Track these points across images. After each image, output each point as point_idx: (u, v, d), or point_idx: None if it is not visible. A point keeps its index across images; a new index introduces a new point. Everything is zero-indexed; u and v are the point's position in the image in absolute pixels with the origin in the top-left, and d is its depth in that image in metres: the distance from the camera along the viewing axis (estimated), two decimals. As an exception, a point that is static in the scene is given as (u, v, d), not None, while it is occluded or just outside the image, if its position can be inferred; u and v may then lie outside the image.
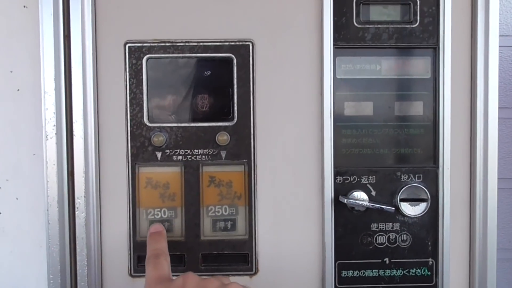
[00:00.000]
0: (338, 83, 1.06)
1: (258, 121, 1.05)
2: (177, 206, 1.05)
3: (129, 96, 1.06)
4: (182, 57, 1.05)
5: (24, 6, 1.14)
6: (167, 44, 1.05)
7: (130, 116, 1.07)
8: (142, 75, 1.05)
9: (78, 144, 1.03)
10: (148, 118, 1.07)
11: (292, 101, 1.06)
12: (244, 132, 1.07)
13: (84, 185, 1.01)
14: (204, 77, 1.07)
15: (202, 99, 1.09)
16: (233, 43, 1.05)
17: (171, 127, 1.07)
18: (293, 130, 1.05)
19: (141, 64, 1.05)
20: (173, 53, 1.04)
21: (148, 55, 1.06)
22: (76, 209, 1.01)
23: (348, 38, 1.06)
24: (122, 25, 1.02)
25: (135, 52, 1.05)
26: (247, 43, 1.06)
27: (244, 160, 1.06)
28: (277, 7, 1.03)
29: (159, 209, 1.06)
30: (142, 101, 1.06)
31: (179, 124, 1.07)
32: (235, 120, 1.08)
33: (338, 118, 1.05)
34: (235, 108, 1.07)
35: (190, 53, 1.05)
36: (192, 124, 1.07)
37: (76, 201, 1.01)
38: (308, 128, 1.05)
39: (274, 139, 1.05)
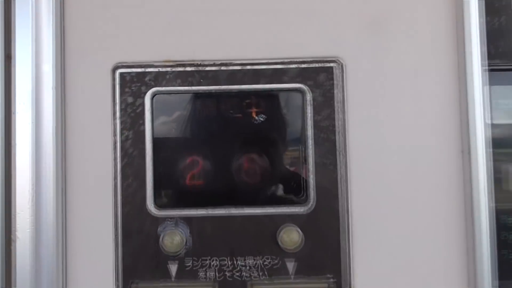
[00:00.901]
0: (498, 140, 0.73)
1: (356, 204, 0.72)
2: None
3: (121, 161, 0.73)
4: (214, 92, 0.74)
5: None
6: (187, 68, 0.74)
7: (122, 198, 0.73)
8: (144, 123, 0.73)
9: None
10: (155, 202, 0.73)
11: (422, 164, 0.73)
12: (328, 225, 0.72)
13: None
14: (253, 124, 0.74)
15: (249, 164, 0.74)
16: (304, 65, 0.74)
17: (195, 218, 0.73)
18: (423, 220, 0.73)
19: (143, 103, 0.73)
20: (197, 84, 0.74)
21: (154, 89, 0.74)
22: None
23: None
24: (109, 41, 0.74)
25: (132, 83, 0.74)
26: (330, 64, 0.74)
27: (329, 277, 0.72)
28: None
29: None
30: (144, 171, 0.73)
31: (210, 212, 0.73)
32: (312, 203, 0.73)
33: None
34: (312, 181, 0.72)
35: (227, 84, 0.73)
36: (233, 211, 0.72)
37: None
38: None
39: (385, 237, 0.72)
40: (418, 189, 0.73)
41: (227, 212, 0.73)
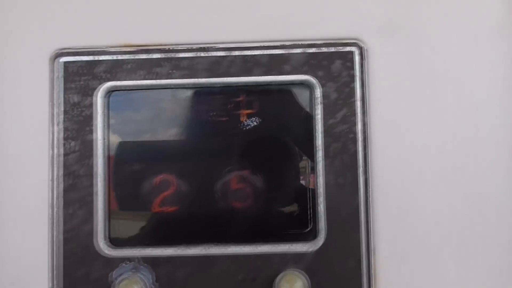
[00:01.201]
0: None
1: (381, 240, 0.63)
2: None
3: (62, 183, 0.62)
4: (191, 87, 0.65)
5: None
6: (154, 54, 0.64)
7: (63, 233, 0.61)
8: (94, 130, 0.64)
9: None
10: (108, 238, 0.62)
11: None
12: (345, 269, 0.63)
13: None
14: (243, 131, 0.65)
15: (238, 185, 0.65)
16: (313, 50, 0.64)
17: (162, 259, 0.62)
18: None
19: (93, 103, 0.63)
20: (167, 76, 0.64)
21: (109, 83, 0.63)
22: None
23: None
24: (48, 20, 0.64)
25: (79, 76, 0.64)
26: (348, 48, 0.64)
27: None
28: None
29: None
30: (94, 195, 0.62)
31: (183, 251, 0.62)
32: (322, 239, 0.63)
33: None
34: (322, 208, 0.63)
35: (207, 76, 0.64)
36: (215, 250, 0.62)
37: None
38: None
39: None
40: (471, 225, 0.63)
41: (207, 251, 0.62)
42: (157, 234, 0.63)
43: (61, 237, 0.61)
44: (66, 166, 0.62)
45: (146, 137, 0.66)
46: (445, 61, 0.64)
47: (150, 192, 0.64)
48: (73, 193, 0.62)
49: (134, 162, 0.65)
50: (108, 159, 0.63)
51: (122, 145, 0.65)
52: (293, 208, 0.66)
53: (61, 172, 0.62)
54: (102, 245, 0.61)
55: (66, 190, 0.62)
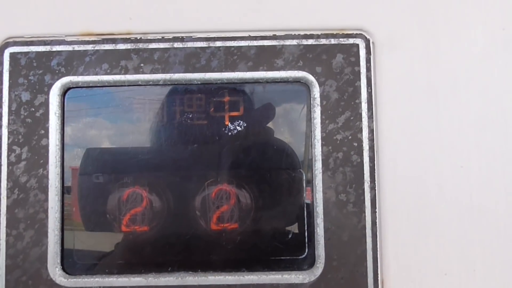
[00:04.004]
0: None
1: (390, 268, 0.55)
2: None
3: (6, 197, 0.54)
4: (164, 84, 0.57)
5: None
6: (120, 45, 0.57)
7: (7, 259, 0.54)
8: (48, 134, 0.55)
9: None
10: (63, 264, 0.54)
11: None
12: None
13: None
14: (226, 137, 0.57)
15: (220, 202, 0.57)
16: (310, 41, 0.57)
17: None
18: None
19: (47, 102, 0.55)
20: (136, 71, 0.56)
21: (66, 78, 0.56)
22: None
23: None
24: None
25: (30, 70, 0.56)
26: (352, 40, 0.57)
27: None
28: None
29: None
30: (46, 213, 0.53)
31: (152, 281, 0.54)
32: (321, 267, 0.55)
33: None
34: (320, 230, 0.55)
35: (183, 71, 0.56)
36: (191, 280, 0.55)
37: None
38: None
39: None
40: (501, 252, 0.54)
41: (182, 281, 0.54)
42: (123, 259, 0.55)
43: (2, 263, 0.52)
44: (12, 178, 0.54)
45: (112, 146, 0.57)
46: (468, 59, 0.56)
47: (115, 210, 0.56)
48: (20, 210, 0.53)
49: (97, 175, 0.57)
50: (62, 168, 0.54)
51: (84, 156, 0.56)
52: (286, 230, 0.58)
53: (5, 185, 0.53)
54: (55, 274, 0.54)
55: (11, 206, 0.54)
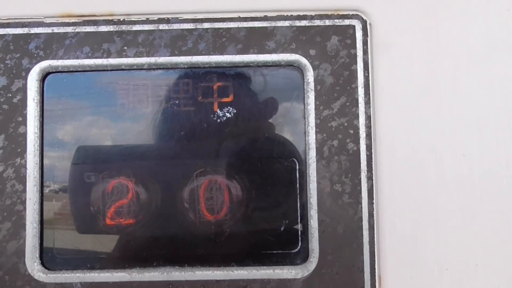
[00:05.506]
0: None
1: (387, 262, 0.54)
2: None
3: None
4: (150, 68, 0.54)
5: None
6: (101, 27, 0.54)
7: None
8: (25, 121, 0.53)
9: None
10: (42, 259, 0.52)
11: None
12: None
13: None
14: (215, 124, 0.54)
15: (210, 193, 0.54)
16: (303, 23, 0.55)
17: (113, 286, 0.52)
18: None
19: (25, 87, 0.53)
20: (119, 54, 0.54)
21: (45, 62, 0.53)
22: None
23: None
24: None
25: (7, 54, 0.54)
26: (348, 21, 0.55)
27: None
28: None
29: None
30: (24, 205, 0.51)
31: (137, 276, 0.52)
32: (314, 261, 0.54)
33: None
34: (314, 223, 0.53)
35: (170, 54, 0.54)
36: (178, 275, 0.53)
37: None
38: None
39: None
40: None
41: (168, 276, 0.52)
42: (106, 254, 0.52)
43: (-23, 258, 0.49)
44: (-12, 168, 0.50)
45: (96, 135, 0.54)
46: (470, 41, 0.53)
47: (99, 201, 0.53)
48: (-3, 203, 0.50)
49: (79, 165, 0.53)
50: (42, 157, 0.51)
51: (65, 145, 0.53)
52: (278, 222, 0.54)
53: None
54: (34, 269, 0.51)
55: (-13, 198, 0.50)
